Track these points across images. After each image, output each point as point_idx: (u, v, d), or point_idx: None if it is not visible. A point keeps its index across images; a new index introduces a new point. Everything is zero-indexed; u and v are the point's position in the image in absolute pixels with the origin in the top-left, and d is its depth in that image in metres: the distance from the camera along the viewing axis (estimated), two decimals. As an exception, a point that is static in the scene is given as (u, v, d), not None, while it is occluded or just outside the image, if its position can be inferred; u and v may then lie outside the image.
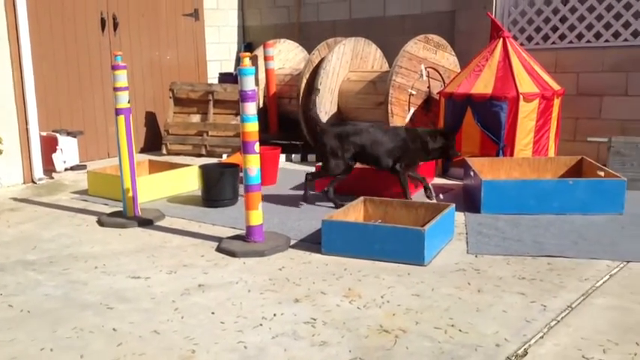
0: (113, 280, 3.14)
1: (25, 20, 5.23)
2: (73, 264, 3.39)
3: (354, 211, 3.73)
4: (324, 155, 4.33)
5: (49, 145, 5.57)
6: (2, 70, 5.15)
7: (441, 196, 4.54)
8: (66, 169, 5.73)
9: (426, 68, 5.66)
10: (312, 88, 5.98)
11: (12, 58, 5.18)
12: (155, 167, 5.22)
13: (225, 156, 6.21)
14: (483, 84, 4.88)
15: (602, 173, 4.16)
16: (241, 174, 3.75)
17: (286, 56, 7.06)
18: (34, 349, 2.45)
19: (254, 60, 6.79)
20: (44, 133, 5.59)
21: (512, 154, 4.76)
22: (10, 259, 3.50)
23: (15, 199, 4.87)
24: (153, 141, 6.87)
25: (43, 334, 2.56)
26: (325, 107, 5.98)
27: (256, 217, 3.52)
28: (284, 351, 2.36)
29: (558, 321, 2.53)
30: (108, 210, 4.46)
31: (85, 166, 5.84)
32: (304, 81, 6.12)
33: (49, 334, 2.57)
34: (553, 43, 5.65)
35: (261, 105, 6.74)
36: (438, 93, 5.45)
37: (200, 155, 6.45)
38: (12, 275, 3.25)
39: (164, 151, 6.60)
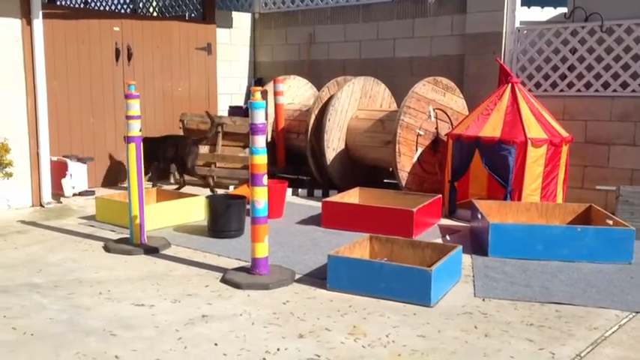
0: (117, 307, 3.12)
1: (41, 48, 5.34)
2: (78, 289, 3.38)
3: (360, 248, 3.72)
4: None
5: (59, 170, 5.60)
6: (17, 96, 5.23)
7: (448, 237, 4.53)
8: (74, 195, 5.75)
9: (434, 109, 5.73)
10: (320, 124, 6.04)
11: (27, 84, 5.27)
12: (163, 196, 5.23)
13: (232, 187, 6.23)
14: (492, 127, 4.92)
15: (610, 222, 4.15)
16: (248, 206, 3.76)
17: (296, 92, 7.15)
18: (35, 373, 2.42)
19: (264, 94, 6.88)
20: (55, 158, 5.63)
21: (519, 199, 4.77)
22: (15, 282, 3.49)
23: (23, 222, 4.87)
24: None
25: (46, 359, 2.54)
26: (333, 144, 6.03)
27: (262, 250, 3.52)
28: (287, 387, 2.33)
29: (567, 369, 2.50)
30: (114, 236, 4.47)
31: (94, 192, 5.86)
32: (313, 117, 6.19)
33: (51, 358, 2.55)
34: (561, 90, 5.73)
35: (269, 139, 6.79)
36: (445, 134, 5.50)
37: (207, 186, 6.46)
38: (17, 297, 3.24)
39: (172, 180, 6.63)
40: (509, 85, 5.12)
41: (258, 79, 8.09)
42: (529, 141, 4.75)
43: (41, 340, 2.72)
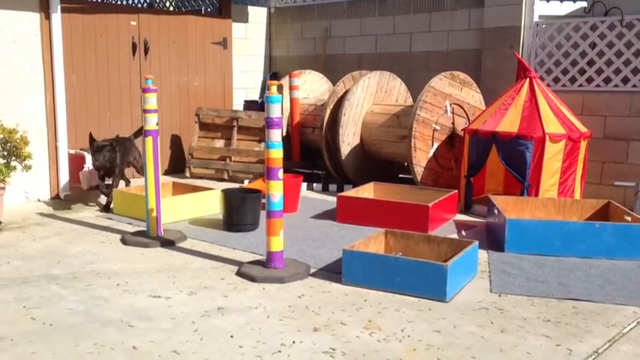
0: (134, 299, 3.15)
1: (59, 42, 5.39)
2: (96, 280, 3.42)
3: (375, 243, 3.72)
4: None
5: (77, 163, 5.65)
6: (36, 90, 5.29)
7: (464, 232, 4.51)
8: (91, 187, 5.80)
9: (450, 104, 5.69)
10: (335, 118, 6.03)
11: (45, 78, 5.32)
12: (178, 189, 5.27)
13: (246, 182, 6.25)
14: (509, 122, 4.88)
15: (629, 218, 4.10)
16: (263, 200, 3.76)
17: (311, 86, 7.14)
18: (54, 363, 2.46)
19: (280, 89, 6.87)
20: (72, 151, 5.68)
21: (537, 194, 4.73)
22: (34, 273, 3.54)
23: (41, 214, 4.94)
24: (177, 164, 6.95)
25: (65, 349, 2.57)
26: (348, 138, 6.02)
27: (277, 244, 3.53)
28: (303, 380, 2.34)
29: (584, 366, 2.49)
30: (131, 229, 4.50)
31: (111, 184, 5.89)
32: (328, 111, 6.18)
33: (70, 348, 2.58)
34: (580, 85, 5.66)
35: (284, 133, 6.80)
36: (462, 129, 5.47)
37: (222, 180, 6.50)
38: (36, 288, 3.28)
39: (187, 174, 6.67)
40: (528, 79, 5.07)
41: (273, 73, 8.10)
42: (547, 136, 4.71)
43: (60, 331, 2.75)
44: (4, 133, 4.63)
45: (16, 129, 4.74)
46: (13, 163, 4.75)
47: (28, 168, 4.84)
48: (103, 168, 5.00)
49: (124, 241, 4.18)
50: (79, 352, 2.54)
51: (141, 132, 5.29)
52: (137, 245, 4.08)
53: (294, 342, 2.65)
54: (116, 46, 6.40)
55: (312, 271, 3.60)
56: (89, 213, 5.01)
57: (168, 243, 4.11)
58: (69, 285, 3.34)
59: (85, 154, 5.73)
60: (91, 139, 5.03)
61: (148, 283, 3.39)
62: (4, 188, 4.61)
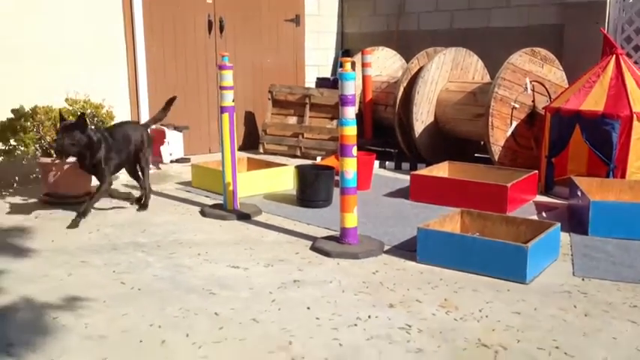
0: (215, 268, 3.26)
1: (140, 21, 5.59)
2: (179, 249, 3.56)
3: (451, 222, 3.67)
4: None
5: (158, 138, 5.87)
6: (119, 68, 5.52)
7: (544, 214, 4.37)
8: (172, 161, 6.02)
9: (531, 82, 5.49)
10: (409, 96, 5.95)
11: (128, 56, 5.54)
12: (253, 165, 5.37)
13: (319, 158, 6.29)
14: (594, 101, 4.65)
15: None
16: (336, 177, 3.77)
17: (384, 64, 7.06)
18: (144, 324, 2.59)
19: (353, 66, 6.82)
20: (154, 127, 5.89)
21: (623, 176, 4.50)
22: (122, 240, 3.73)
23: (126, 185, 5.16)
24: (250, 140, 7.08)
25: (152, 312, 2.71)
26: (422, 116, 5.93)
27: (351, 220, 3.54)
28: (379, 353, 2.36)
29: (675, 354, 2.37)
30: (209, 202, 4.64)
31: (189, 159, 6.10)
32: (401, 89, 6.10)
33: (157, 311, 2.71)
34: (672, 62, 5.32)
35: (356, 111, 6.76)
36: (543, 108, 5.26)
37: (295, 156, 6.57)
38: (124, 255, 3.47)
39: (261, 150, 6.79)
40: (614, 56, 4.80)
41: (345, 50, 8.06)
42: (635, 115, 4.45)
43: (147, 295, 2.90)
44: (92, 108, 4.86)
45: (102, 104, 4.97)
46: (100, 137, 4.99)
47: (113, 142, 5.07)
48: (62, 151, 3.96)
49: (202, 213, 4.32)
50: (166, 315, 2.67)
51: (171, 103, 4.66)
52: (215, 217, 4.21)
53: (369, 316, 2.67)
54: (192, 24, 6.55)
55: (386, 248, 3.60)
56: (169, 185, 5.20)
57: (244, 216, 4.21)
58: (154, 253, 3.50)
59: (166, 129, 5.94)
60: (61, 118, 4.12)
61: (227, 253, 3.49)
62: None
